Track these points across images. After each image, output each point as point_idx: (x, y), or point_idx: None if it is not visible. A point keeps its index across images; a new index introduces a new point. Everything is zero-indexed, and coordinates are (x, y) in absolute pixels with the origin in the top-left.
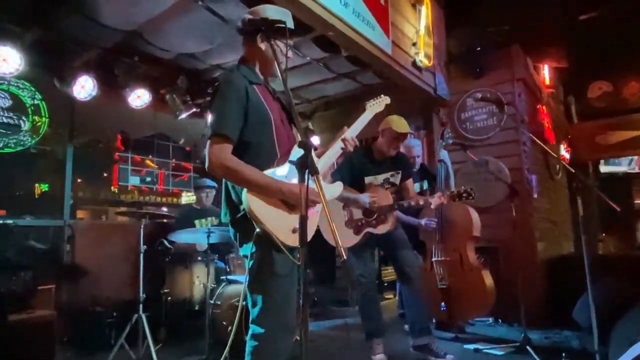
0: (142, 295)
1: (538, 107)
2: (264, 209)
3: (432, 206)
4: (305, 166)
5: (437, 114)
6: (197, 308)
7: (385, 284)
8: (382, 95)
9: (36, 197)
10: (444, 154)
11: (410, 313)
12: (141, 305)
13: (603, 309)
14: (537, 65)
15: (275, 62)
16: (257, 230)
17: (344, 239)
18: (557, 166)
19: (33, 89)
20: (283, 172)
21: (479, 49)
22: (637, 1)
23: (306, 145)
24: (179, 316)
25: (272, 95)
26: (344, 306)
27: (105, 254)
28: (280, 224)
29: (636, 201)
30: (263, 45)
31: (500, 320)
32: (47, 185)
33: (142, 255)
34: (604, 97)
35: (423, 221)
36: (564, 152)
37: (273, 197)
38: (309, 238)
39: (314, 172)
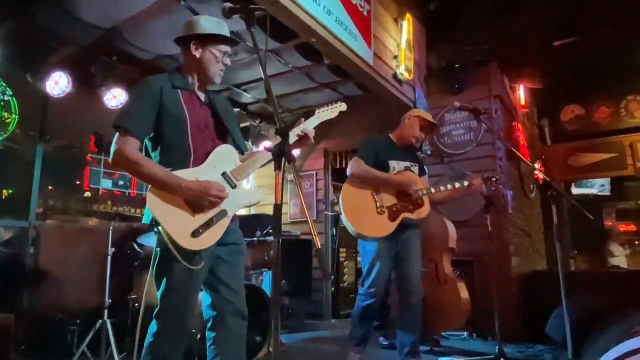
0: (108, 301)
1: (514, 124)
2: (163, 207)
3: (473, 187)
4: (282, 154)
5: None
6: None
7: None
8: (340, 103)
9: (3, 198)
10: None
11: (402, 332)
12: (106, 311)
13: (577, 323)
14: (513, 85)
15: (211, 69)
16: (157, 229)
17: (379, 229)
18: (532, 185)
19: (4, 84)
20: (192, 173)
21: (457, 66)
22: (608, 31)
23: (283, 133)
24: (146, 324)
25: (201, 102)
26: (319, 319)
27: (72, 257)
28: (179, 226)
29: (607, 223)
30: (198, 54)
31: (475, 335)
32: (12, 189)
33: (109, 258)
34: (577, 121)
35: None
36: (538, 172)
37: (173, 193)
38: (212, 243)
39: (291, 159)
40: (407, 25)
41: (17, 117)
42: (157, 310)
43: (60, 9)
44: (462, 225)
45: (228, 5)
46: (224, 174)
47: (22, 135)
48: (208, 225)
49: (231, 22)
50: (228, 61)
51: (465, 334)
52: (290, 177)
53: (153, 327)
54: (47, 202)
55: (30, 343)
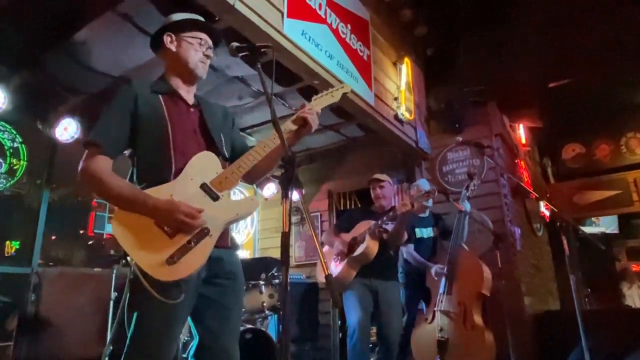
0: (109, 347)
1: (517, 161)
2: (131, 232)
3: (399, 212)
4: (289, 181)
5: (420, 167)
6: None
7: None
8: (343, 84)
9: (6, 255)
10: (467, 205)
11: None
12: (107, 359)
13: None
14: (513, 124)
15: (190, 60)
16: (126, 259)
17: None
18: (539, 224)
19: (14, 131)
20: (167, 188)
21: (457, 106)
22: (603, 72)
23: (289, 160)
24: None
25: (187, 105)
26: None
27: (73, 304)
28: (150, 253)
29: (622, 261)
30: (173, 46)
31: None
32: (18, 242)
33: (112, 302)
34: (578, 159)
35: (433, 269)
36: (544, 209)
37: (141, 213)
38: (191, 271)
39: (299, 186)
40: (406, 68)
41: (25, 163)
42: (124, 353)
43: (71, 58)
44: None
45: (235, 44)
46: (202, 185)
47: (29, 182)
48: (185, 249)
49: (237, 67)
50: (210, 52)
51: None
52: (294, 219)
53: None
54: (50, 252)
55: None
